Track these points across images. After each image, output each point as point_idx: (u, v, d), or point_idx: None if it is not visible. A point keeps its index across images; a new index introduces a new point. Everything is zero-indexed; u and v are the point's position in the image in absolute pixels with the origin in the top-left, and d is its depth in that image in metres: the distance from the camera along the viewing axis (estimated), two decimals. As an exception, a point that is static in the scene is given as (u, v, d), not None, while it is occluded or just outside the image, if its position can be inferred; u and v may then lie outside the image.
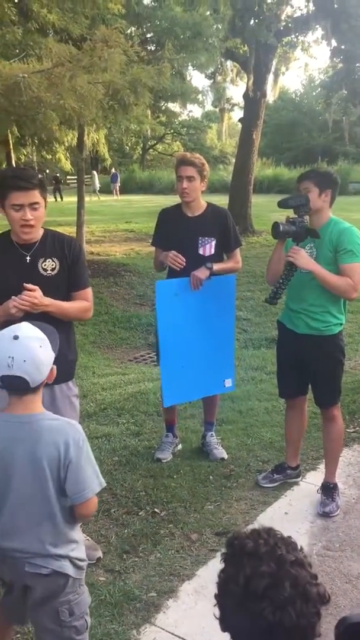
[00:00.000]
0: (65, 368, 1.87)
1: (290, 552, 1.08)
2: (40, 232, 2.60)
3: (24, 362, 1.69)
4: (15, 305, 2.39)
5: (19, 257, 2.56)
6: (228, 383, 3.89)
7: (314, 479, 3.61)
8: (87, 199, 14.03)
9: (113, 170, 31.80)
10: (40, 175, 2.54)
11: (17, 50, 6.29)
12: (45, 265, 2.57)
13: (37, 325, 1.82)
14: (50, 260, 2.58)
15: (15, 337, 1.70)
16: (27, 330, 1.75)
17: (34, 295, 2.42)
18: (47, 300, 2.47)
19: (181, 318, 3.59)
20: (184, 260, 3.51)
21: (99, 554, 2.86)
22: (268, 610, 1.01)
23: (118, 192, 30.56)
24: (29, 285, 2.43)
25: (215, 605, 1.11)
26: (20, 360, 1.68)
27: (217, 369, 3.80)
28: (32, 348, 1.71)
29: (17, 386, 1.73)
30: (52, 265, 2.58)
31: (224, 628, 1.10)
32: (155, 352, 4.24)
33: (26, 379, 1.71)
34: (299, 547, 1.12)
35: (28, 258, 2.56)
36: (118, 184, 31.07)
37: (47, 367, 1.76)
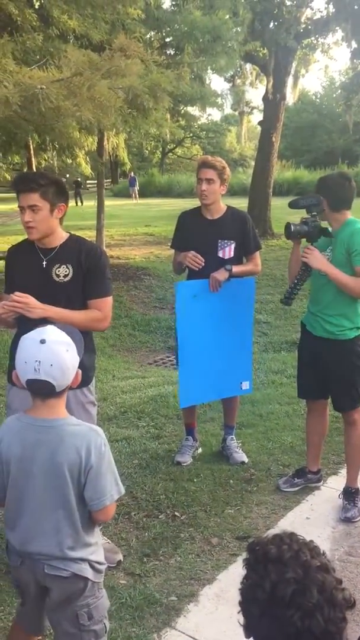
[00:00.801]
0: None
1: (315, 557, 1.07)
2: (64, 236, 2.61)
3: (50, 367, 1.69)
4: (3, 307, 2.34)
5: (37, 261, 2.57)
6: (245, 385, 3.88)
7: (336, 483, 3.57)
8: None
9: (132, 174, 31.94)
10: (52, 180, 2.50)
11: (38, 57, 6.35)
12: (58, 271, 2.54)
13: (62, 329, 1.82)
14: (64, 266, 2.55)
15: (42, 341, 1.70)
16: (53, 333, 1.75)
17: (26, 295, 2.37)
18: (43, 305, 2.39)
19: (199, 319, 3.59)
20: (203, 260, 3.51)
21: (120, 557, 2.86)
22: (296, 617, 0.99)
23: (137, 196, 30.68)
24: (18, 293, 2.38)
25: (238, 612, 1.10)
26: (47, 365, 1.69)
27: (234, 371, 3.79)
28: (59, 352, 1.71)
29: (43, 390, 1.74)
30: (66, 271, 2.54)
31: (249, 635, 1.08)
32: (175, 355, 4.26)
33: (52, 384, 1.71)
34: (321, 552, 1.11)
35: (44, 263, 2.56)
36: (137, 188, 31.19)
37: (72, 372, 1.77)
